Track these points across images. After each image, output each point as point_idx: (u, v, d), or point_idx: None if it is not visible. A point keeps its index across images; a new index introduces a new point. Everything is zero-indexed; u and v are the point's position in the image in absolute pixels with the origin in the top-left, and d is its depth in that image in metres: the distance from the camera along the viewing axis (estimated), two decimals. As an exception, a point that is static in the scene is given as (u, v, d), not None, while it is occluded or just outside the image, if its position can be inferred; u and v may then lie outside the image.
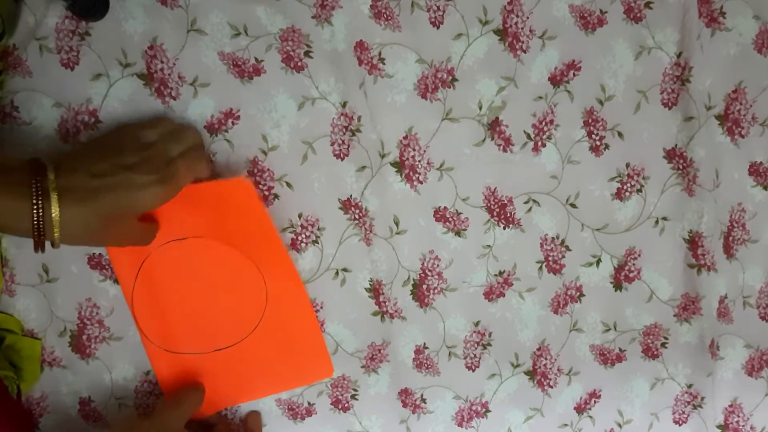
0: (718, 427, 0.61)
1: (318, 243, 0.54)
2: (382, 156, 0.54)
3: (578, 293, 0.57)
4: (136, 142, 0.46)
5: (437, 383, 0.57)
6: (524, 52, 0.54)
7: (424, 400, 0.57)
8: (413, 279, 0.55)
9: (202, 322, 0.53)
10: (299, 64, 0.52)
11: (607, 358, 0.59)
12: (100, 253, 0.52)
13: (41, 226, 0.40)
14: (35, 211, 0.39)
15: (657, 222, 0.57)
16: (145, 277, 0.52)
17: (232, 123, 0.52)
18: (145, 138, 0.47)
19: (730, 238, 0.58)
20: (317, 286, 0.54)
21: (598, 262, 0.57)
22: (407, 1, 0.52)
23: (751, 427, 0.61)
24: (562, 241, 0.56)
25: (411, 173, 0.54)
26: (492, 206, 0.55)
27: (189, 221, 0.51)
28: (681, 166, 0.56)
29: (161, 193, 0.45)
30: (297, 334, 0.54)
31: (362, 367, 0.56)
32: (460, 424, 0.58)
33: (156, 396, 0.55)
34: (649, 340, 0.59)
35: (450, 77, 0.53)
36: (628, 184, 0.56)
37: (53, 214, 0.40)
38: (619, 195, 0.56)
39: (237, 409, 0.56)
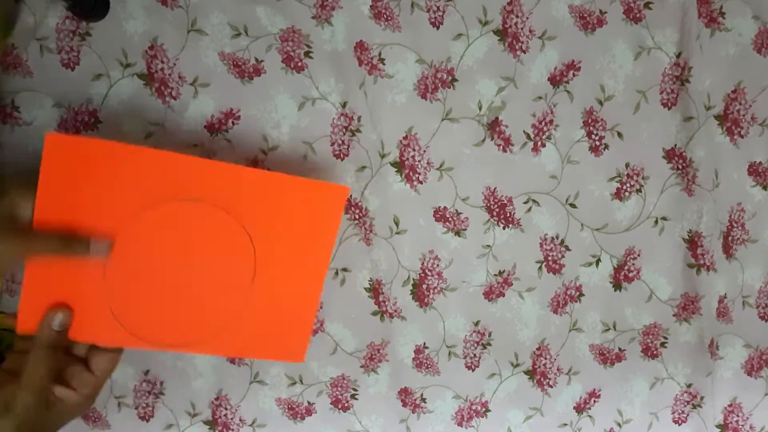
0: (718, 426, 0.61)
1: (318, 243, 0.54)
2: (382, 156, 0.54)
3: (578, 293, 0.57)
4: None
5: (437, 383, 0.57)
6: (524, 52, 0.54)
7: (423, 400, 0.57)
8: (413, 279, 0.55)
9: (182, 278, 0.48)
10: (299, 64, 0.52)
11: (607, 357, 0.59)
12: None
13: None
14: None
15: (656, 222, 0.57)
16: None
17: (233, 123, 0.52)
18: None
19: (730, 238, 0.58)
20: (317, 285, 0.54)
21: (598, 261, 0.57)
22: (407, 1, 0.52)
23: (751, 427, 0.61)
24: (562, 241, 0.56)
25: (411, 173, 0.54)
26: (492, 206, 0.55)
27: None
28: (680, 166, 0.57)
29: None
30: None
31: (361, 366, 0.56)
32: (459, 424, 0.58)
33: (155, 395, 0.55)
34: (648, 340, 0.59)
35: (450, 77, 0.53)
36: (628, 184, 0.56)
37: None
38: (618, 195, 0.56)
39: (238, 408, 0.56)
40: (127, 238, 0.45)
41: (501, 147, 0.55)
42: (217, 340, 0.49)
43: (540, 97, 0.54)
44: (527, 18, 0.53)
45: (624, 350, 0.59)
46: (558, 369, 0.58)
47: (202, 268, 0.48)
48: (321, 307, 0.55)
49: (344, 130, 0.53)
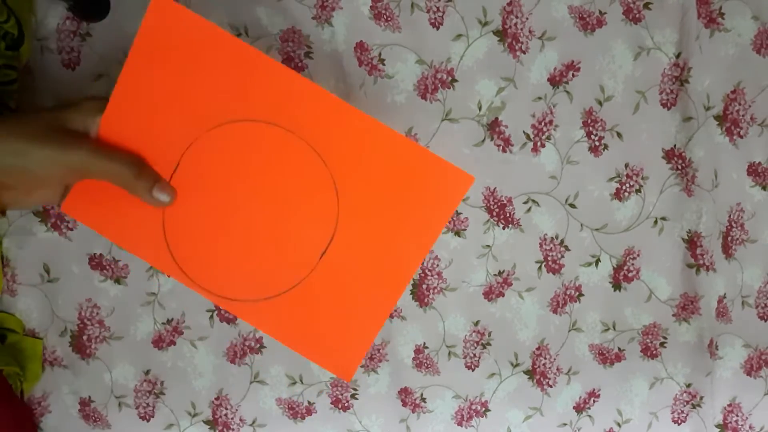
0: (717, 426, 0.61)
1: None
2: (382, 156, 0.54)
3: (577, 293, 0.58)
4: None
5: (437, 382, 0.57)
6: (524, 52, 0.54)
7: (423, 400, 0.57)
8: (413, 279, 0.56)
9: (248, 253, 0.42)
10: (300, 64, 0.52)
11: (607, 357, 0.59)
12: (101, 254, 0.52)
13: None
14: None
15: (656, 222, 0.57)
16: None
17: (233, 123, 0.52)
18: None
19: (729, 238, 0.59)
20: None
21: (597, 261, 0.57)
22: (407, 2, 0.52)
23: (750, 427, 0.61)
24: (562, 241, 0.57)
25: (411, 173, 0.54)
26: (491, 206, 0.55)
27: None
28: (680, 167, 0.57)
29: None
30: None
31: (362, 366, 0.56)
32: (459, 424, 0.58)
33: (156, 395, 0.55)
34: (648, 340, 0.59)
35: (450, 78, 0.53)
36: (627, 184, 0.56)
37: None
38: (618, 195, 0.56)
39: (238, 408, 0.56)
40: (197, 155, 0.40)
41: (501, 147, 0.55)
42: (260, 309, 0.42)
43: (540, 98, 0.54)
44: (527, 18, 0.53)
45: (623, 350, 0.59)
46: (558, 369, 0.58)
47: (270, 217, 0.41)
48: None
49: (344, 130, 0.53)
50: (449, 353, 0.57)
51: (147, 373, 0.55)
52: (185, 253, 0.42)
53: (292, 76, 0.39)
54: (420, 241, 0.43)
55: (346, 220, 0.41)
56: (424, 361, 0.57)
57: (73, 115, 0.39)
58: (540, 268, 0.57)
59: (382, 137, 0.41)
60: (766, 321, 0.60)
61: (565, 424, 0.59)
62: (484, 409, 0.58)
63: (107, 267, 0.53)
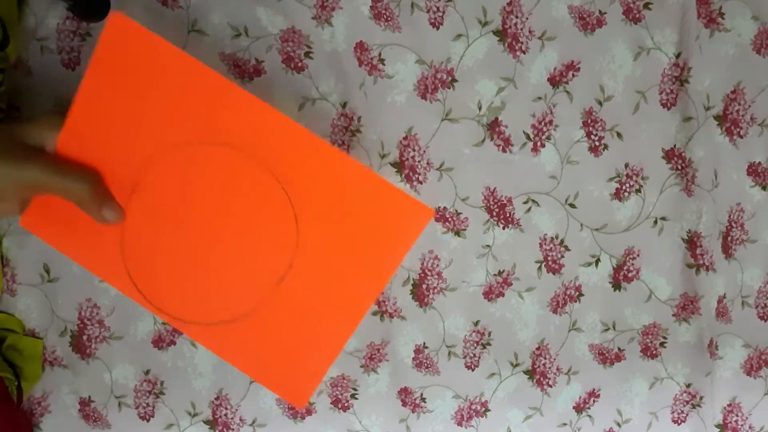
0: (717, 426, 0.61)
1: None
2: (382, 156, 0.54)
3: (577, 293, 0.58)
4: None
5: (437, 382, 0.57)
6: (524, 52, 0.54)
7: (423, 400, 0.57)
8: (413, 279, 0.56)
9: (203, 276, 0.42)
10: (299, 64, 0.52)
11: (606, 357, 0.59)
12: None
13: None
14: None
15: (656, 222, 0.57)
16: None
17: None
18: None
19: (729, 238, 0.59)
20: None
21: (597, 261, 0.57)
22: (407, 1, 0.52)
23: (750, 427, 0.61)
24: (561, 241, 0.57)
25: (411, 173, 0.54)
26: (491, 206, 0.55)
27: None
28: (680, 167, 0.57)
29: None
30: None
31: (361, 366, 0.56)
32: (459, 423, 0.58)
33: (156, 395, 0.55)
34: (648, 340, 0.59)
35: (450, 78, 0.53)
36: (627, 184, 0.56)
37: None
38: (618, 195, 0.56)
39: (238, 407, 0.56)
40: (157, 176, 0.40)
41: (501, 147, 0.55)
42: (214, 333, 0.42)
43: (540, 98, 0.54)
44: (527, 18, 0.53)
45: (623, 350, 0.59)
46: (557, 369, 0.58)
47: (230, 240, 0.41)
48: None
49: (344, 130, 0.53)
50: (449, 353, 0.57)
51: (147, 373, 0.55)
52: (142, 272, 0.41)
53: (252, 101, 0.39)
54: (378, 273, 0.43)
55: (304, 249, 0.41)
56: (424, 361, 0.57)
57: (31, 129, 0.39)
58: (540, 268, 0.57)
59: (345, 168, 0.40)
60: (766, 321, 0.60)
61: (565, 424, 0.59)
62: (484, 409, 0.58)
63: (107, 267, 0.53)
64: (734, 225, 0.58)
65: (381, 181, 0.41)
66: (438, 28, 0.53)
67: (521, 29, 0.53)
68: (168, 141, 0.39)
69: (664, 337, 0.59)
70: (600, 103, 0.55)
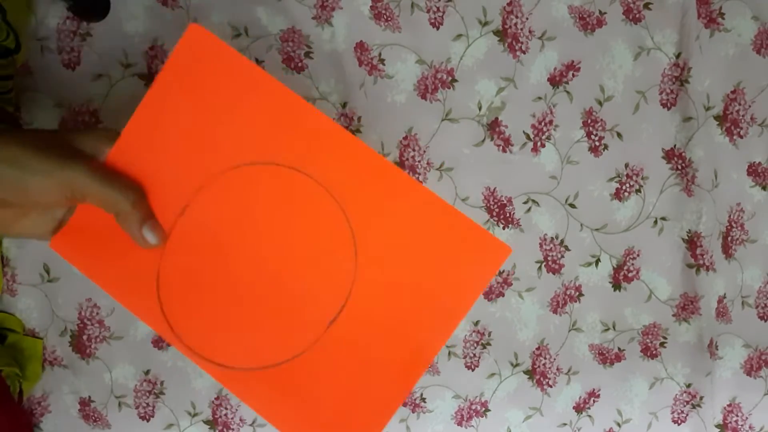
0: (717, 426, 0.61)
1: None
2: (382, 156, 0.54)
3: (577, 293, 0.58)
4: None
5: (437, 382, 0.57)
6: (524, 52, 0.54)
7: (423, 399, 0.57)
8: (413, 279, 0.56)
9: (249, 317, 0.37)
10: (300, 64, 0.52)
11: (606, 357, 0.59)
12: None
13: None
14: None
15: (656, 222, 0.57)
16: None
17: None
18: None
19: (729, 238, 0.59)
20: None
21: (597, 261, 0.57)
22: (407, 2, 0.52)
23: (750, 427, 0.61)
24: (562, 241, 0.57)
25: (411, 173, 0.54)
26: (491, 206, 0.55)
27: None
28: (680, 167, 0.57)
29: None
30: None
31: (362, 366, 0.56)
32: (459, 423, 0.58)
33: (156, 395, 0.55)
34: (648, 340, 0.59)
35: (450, 78, 0.53)
36: (627, 185, 0.56)
37: None
38: (618, 195, 0.56)
39: (238, 407, 0.56)
40: (207, 200, 0.36)
41: (501, 147, 0.55)
42: (250, 381, 0.36)
43: (540, 98, 0.54)
44: (527, 18, 0.53)
45: (623, 350, 0.59)
46: (557, 369, 0.58)
47: (276, 277, 0.36)
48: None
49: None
50: (449, 353, 0.57)
51: (147, 373, 0.55)
52: (178, 309, 0.37)
53: (326, 121, 0.36)
54: (445, 317, 0.37)
55: (362, 287, 0.36)
56: (424, 361, 0.57)
57: (84, 137, 0.38)
58: (540, 268, 0.57)
59: (417, 197, 0.36)
60: (766, 321, 0.60)
61: (565, 424, 0.59)
62: (484, 409, 0.58)
63: (107, 267, 0.53)
64: (734, 225, 0.58)
65: (455, 212, 0.36)
66: (438, 28, 0.53)
67: (521, 29, 0.53)
68: (226, 161, 0.36)
69: (664, 337, 0.59)
70: (600, 103, 0.55)
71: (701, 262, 0.58)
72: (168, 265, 0.37)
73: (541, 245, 0.56)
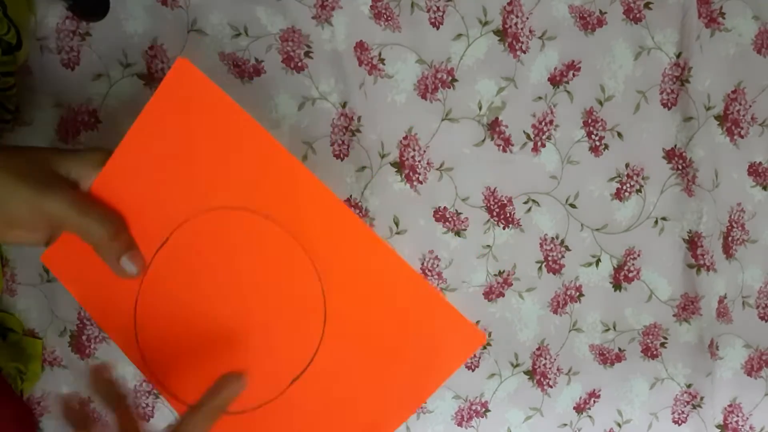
0: (718, 426, 0.61)
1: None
2: (382, 156, 0.54)
3: (578, 293, 0.57)
4: None
5: (437, 383, 0.57)
6: (524, 52, 0.54)
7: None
8: (413, 279, 0.55)
9: (224, 356, 0.37)
10: (299, 64, 0.52)
11: (607, 357, 0.59)
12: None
13: None
14: None
15: (656, 222, 0.57)
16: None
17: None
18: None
19: (730, 238, 0.58)
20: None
21: (598, 262, 0.57)
22: (407, 1, 0.52)
23: (751, 427, 0.61)
24: (562, 241, 0.56)
25: (411, 173, 0.54)
26: (492, 206, 0.55)
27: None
28: (680, 167, 0.57)
29: None
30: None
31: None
32: (459, 424, 0.58)
33: (155, 395, 0.55)
34: (648, 340, 0.59)
35: (450, 77, 0.53)
36: (628, 184, 0.56)
37: None
38: (618, 195, 0.56)
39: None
40: (187, 236, 0.36)
41: (501, 147, 0.55)
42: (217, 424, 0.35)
43: (540, 98, 0.54)
44: (527, 18, 0.53)
45: (624, 350, 0.59)
46: (558, 369, 0.58)
47: (247, 324, 0.36)
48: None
49: (344, 130, 0.53)
50: (449, 353, 0.57)
51: (146, 373, 0.55)
52: (151, 341, 0.37)
53: (307, 176, 0.35)
54: (408, 397, 0.37)
55: (327, 351, 0.36)
56: (424, 361, 0.57)
57: (71, 161, 0.37)
58: (540, 268, 0.57)
59: (395, 271, 0.35)
60: (766, 321, 0.60)
61: (565, 425, 0.59)
62: (484, 409, 0.58)
63: (107, 267, 0.52)
64: (735, 225, 0.58)
65: (433, 291, 0.36)
66: (438, 28, 0.52)
67: (521, 29, 0.53)
68: (209, 201, 0.36)
69: (665, 338, 0.59)
70: (600, 103, 0.55)
71: (702, 262, 0.57)
72: (146, 296, 0.38)
73: (541, 245, 0.56)
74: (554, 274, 0.57)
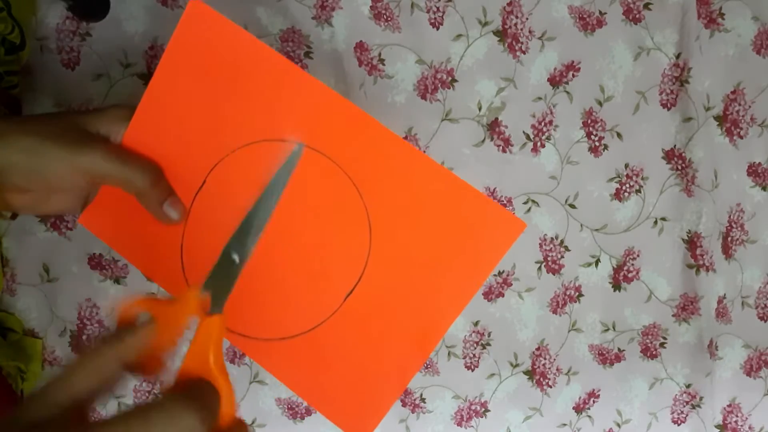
0: (717, 426, 0.61)
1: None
2: (382, 156, 0.54)
3: (577, 293, 0.58)
4: None
5: (436, 383, 0.57)
6: (524, 53, 0.54)
7: (423, 400, 0.57)
8: (413, 279, 0.56)
9: (268, 288, 0.38)
10: (299, 64, 0.52)
11: (606, 358, 0.59)
12: (100, 253, 0.52)
13: None
14: None
15: (656, 222, 0.57)
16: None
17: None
18: None
19: (729, 239, 0.58)
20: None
21: (597, 262, 0.57)
22: (407, 2, 0.52)
23: (750, 427, 0.61)
24: (561, 242, 0.56)
25: (411, 173, 0.54)
26: (491, 206, 0.55)
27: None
28: (680, 167, 0.57)
29: None
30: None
31: (362, 366, 0.56)
32: (459, 424, 0.58)
33: (156, 395, 0.55)
34: (647, 340, 0.59)
35: (450, 78, 0.53)
36: (627, 185, 0.56)
37: None
38: (618, 195, 0.56)
39: (238, 407, 0.56)
40: (224, 175, 0.36)
41: (501, 147, 0.55)
42: (272, 351, 0.38)
43: (540, 98, 0.54)
44: (527, 19, 0.53)
45: (623, 350, 0.59)
46: (557, 369, 0.58)
47: (294, 250, 0.37)
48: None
49: (344, 130, 0.53)
50: (449, 353, 0.57)
51: (146, 373, 0.55)
52: (201, 281, 0.37)
53: (335, 98, 0.36)
54: (457, 291, 0.38)
55: (376, 261, 0.37)
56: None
57: (97, 119, 0.37)
58: (540, 268, 0.57)
59: (429, 172, 0.36)
60: (765, 321, 0.60)
61: (564, 425, 0.59)
62: (483, 409, 0.58)
63: (107, 267, 0.53)
64: (734, 225, 0.58)
65: (468, 187, 0.36)
66: (438, 28, 0.53)
67: (521, 29, 0.53)
68: (241, 137, 0.36)
69: (664, 338, 0.59)
70: (600, 104, 0.55)
71: (701, 262, 0.58)
72: (190, 239, 0.38)
73: (540, 245, 0.56)
74: (554, 274, 0.57)
